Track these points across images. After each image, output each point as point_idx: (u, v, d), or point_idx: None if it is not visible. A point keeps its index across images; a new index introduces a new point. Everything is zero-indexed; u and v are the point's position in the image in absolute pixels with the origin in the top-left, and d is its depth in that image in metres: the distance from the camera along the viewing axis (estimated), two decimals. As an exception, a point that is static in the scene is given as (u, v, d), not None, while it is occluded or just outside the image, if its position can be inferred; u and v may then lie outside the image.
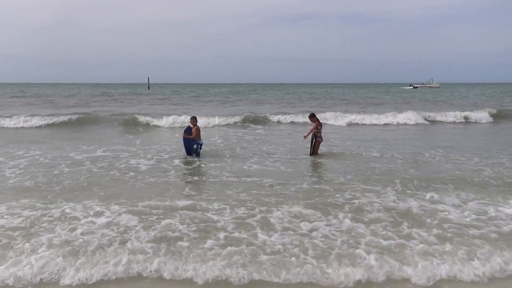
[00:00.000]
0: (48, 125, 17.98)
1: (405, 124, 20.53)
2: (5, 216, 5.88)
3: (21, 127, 17.38)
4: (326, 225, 5.69)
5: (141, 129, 17.26)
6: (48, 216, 5.89)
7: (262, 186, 7.80)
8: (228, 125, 18.84)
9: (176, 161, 10.36)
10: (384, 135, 16.32)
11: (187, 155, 10.92)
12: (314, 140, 11.40)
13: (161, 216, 5.97)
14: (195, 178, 8.73)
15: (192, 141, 10.84)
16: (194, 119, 11.07)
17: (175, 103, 36.71)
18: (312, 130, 11.34)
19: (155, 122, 18.70)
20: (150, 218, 5.87)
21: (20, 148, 11.74)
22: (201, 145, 10.99)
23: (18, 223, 5.60)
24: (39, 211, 6.14)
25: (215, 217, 5.92)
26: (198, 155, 10.87)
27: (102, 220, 5.78)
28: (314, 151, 11.42)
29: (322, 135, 11.54)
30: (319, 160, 10.73)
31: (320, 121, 11.70)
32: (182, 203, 6.61)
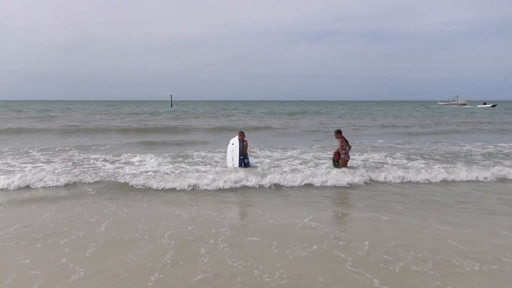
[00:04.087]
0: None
1: None
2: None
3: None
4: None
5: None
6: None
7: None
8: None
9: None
10: None
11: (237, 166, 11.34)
12: (339, 157, 11.22)
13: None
14: None
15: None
16: (242, 133, 11.89)
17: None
18: (337, 150, 11.25)
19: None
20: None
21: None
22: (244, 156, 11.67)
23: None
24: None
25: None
26: (247, 165, 11.55)
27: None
28: (339, 167, 11.14)
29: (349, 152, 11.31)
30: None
31: (347, 139, 11.40)
32: None
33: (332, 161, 11.59)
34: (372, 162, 13.21)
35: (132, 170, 11.42)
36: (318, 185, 9.90)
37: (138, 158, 13.20)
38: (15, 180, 9.42)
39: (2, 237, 6.09)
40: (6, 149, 15.26)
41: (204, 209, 7.93)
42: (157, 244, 5.84)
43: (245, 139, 11.80)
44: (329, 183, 9.97)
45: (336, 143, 11.66)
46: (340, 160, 11.22)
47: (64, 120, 34.88)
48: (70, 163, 12.15)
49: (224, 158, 12.63)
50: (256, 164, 12.44)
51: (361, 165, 12.24)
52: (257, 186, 9.74)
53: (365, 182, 10.21)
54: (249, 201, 8.81)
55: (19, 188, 9.18)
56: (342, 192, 9.44)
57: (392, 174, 10.69)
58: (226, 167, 11.37)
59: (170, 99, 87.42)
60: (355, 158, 13.48)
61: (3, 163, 12.09)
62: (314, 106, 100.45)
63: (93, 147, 16.41)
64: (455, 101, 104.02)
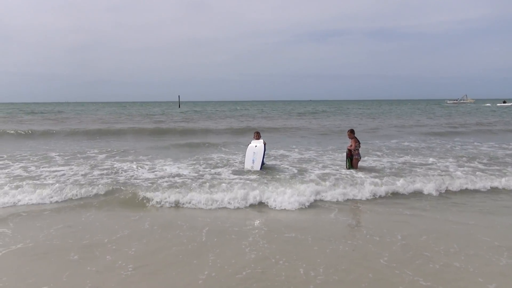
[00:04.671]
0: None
1: None
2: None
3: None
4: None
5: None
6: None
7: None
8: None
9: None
10: None
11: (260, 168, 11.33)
12: (352, 156, 11.51)
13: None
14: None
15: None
16: (258, 134, 12.21)
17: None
18: (349, 147, 11.48)
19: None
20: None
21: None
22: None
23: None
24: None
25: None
26: (263, 164, 11.67)
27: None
28: (353, 166, 11.46)
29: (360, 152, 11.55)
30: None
31: (358, 139, 11.64)
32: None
33: (346, 157, 11.73)
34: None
35: (159, 174, 10.95)
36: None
37: (161, 161, 13.14)
38: (48, 194, 8.60)
39: (46, 236, 6.27)
40: (22, 151, 15.16)
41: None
42: (198, 242, 6.04)
43: (260, 139, 11.95)
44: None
45: (349, 142, 11.79)
46: (353, 159, 11.51)
47: (78, 122, 35.32)
48: (89, 167, 11.92)
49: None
50: (275, 165, 12.56)
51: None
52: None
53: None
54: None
55: (56, 202, 8.47)
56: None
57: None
58: (244, 169, 11.47)
59: (177, 100, 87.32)
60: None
61: (22, 168, 11.68)
62: (325, 105, 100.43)
63: (111, 148, 16.52)
64: (464, 100, 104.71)
